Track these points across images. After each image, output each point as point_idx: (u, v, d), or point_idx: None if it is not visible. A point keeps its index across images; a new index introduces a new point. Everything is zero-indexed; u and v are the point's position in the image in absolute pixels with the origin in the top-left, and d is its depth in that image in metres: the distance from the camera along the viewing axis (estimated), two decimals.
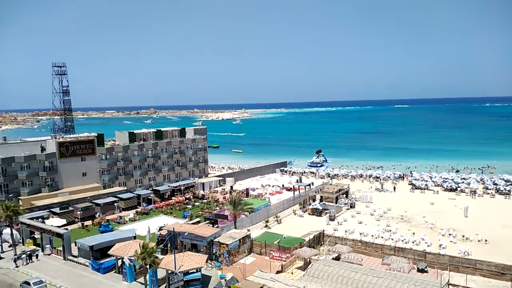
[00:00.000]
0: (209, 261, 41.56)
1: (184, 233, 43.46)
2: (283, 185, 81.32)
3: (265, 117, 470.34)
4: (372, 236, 49.34)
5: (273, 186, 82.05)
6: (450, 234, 49.43)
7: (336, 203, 65.40)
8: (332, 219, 57.57)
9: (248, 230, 49.56)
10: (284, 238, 45.62)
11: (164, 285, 36.57)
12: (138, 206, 67.82)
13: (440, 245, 45.30)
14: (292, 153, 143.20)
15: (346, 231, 51.01)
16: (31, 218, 52.59)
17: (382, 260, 41.27)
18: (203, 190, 79.84)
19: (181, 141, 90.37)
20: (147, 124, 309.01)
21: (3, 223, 49.37)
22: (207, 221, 54.71)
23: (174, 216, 61.32)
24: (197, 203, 69.33)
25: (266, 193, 75.78)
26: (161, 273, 36.95)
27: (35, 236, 50.51)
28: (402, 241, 47.46)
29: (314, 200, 67.40)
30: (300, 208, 63.85)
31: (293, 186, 75.95)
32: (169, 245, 44.30)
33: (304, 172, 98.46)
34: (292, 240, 44.99)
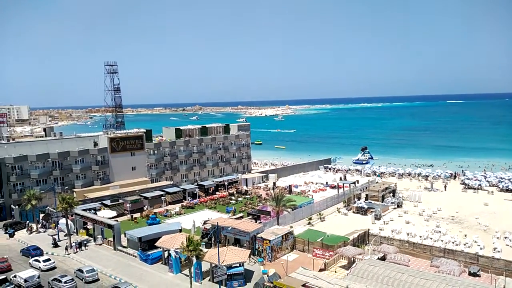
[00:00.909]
0: (251, 256, 41.88)
1: (228, 228, 44.05)
2: (327, 183, 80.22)
3: (308, 113, 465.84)
4: (420, 236, 47.48)
5: (316, 183, 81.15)
6: (506, 237, 46.50)
7: (382, 202, 63.57)
8: (378, 218, 56.04)
9: (291, 227, 49.36)
10: (328, 236, 45.00)
11: (208, 277, 37.34)
12: (183, 200, 69.63)
13: (494, 249, 42.76)
14: (336, 150, 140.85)
15: (392, 231, 49.45)
16: (84, 210, 55.57)
17: (431, 262, 39.60)
18: (246, 185, 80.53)
19: (225, 137, 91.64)
20: (193, 120, 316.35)
21: (59, 214, 52.50)
22: (250, 217, 55.17)
23: (218, 211, 62.35)
24: (240, 199, 70.06)
25: (309, 190, 75.12)
26: (205, 266, 37.76)
27: (88, 227, 53.28)
28: (453, 243, 45.26)
29: (359, 199, 65.92)
30: (344, 206, 62.70)
31: (337, 183, 74.69)
32: (213, 238, 45.13)
33: (349, 169, 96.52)
34: (336, 238, 44.28)
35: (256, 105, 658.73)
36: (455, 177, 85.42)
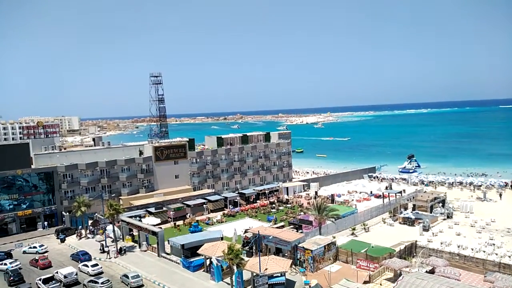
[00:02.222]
0: (293, 266, 41.19)
1: (269, 237, 43.68)
2: (371, 192, 77.87)
3: (351, 120, 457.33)
4: (472, 249, 44.67)
5: (360, 192, 79.00)
6: None
7: (430, 213, 60.65)
8: (426, 229, 53.45)
9: (334, 237, 48.18)
10: (372, 247, 43.44)
11: (250, 286, 37.06)
12: (225, 208, 70.07)
13: None
14: (381, 158, 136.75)
15: (442, 243, 46.93)
16: (130, 217, 57.32)
17: (484, 276, 37.05)
18: (287, 194, 79.81)
19: (265, 145, 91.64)
20: (234, 129, 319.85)
21: (106, 221, 54.47)
22: (291, 226, 54.46)
23: (259, 220, 62.12)
24: (281, 207, 69.48)
25: (352, 200, 73.21)
26: (246, 275, 37.54)
27: (134, 233, 54.83)
28: (509, 257, 42.20)
29: (405, 209, 63.30)
30: (390, 216, 60.42)
31: (383, 193, 72.25)
32: (254, 247, 44.90)
33: (395, 178, 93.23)
34: (381, 250, 42.64)
35: (297, 112, 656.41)
36: (511, 186, 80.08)
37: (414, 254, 43.81)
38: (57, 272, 42.01)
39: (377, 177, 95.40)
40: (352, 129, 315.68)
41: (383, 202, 66.95)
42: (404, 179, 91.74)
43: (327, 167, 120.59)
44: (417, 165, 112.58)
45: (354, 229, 53.83)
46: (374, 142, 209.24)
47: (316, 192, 79.15)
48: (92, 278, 40.36)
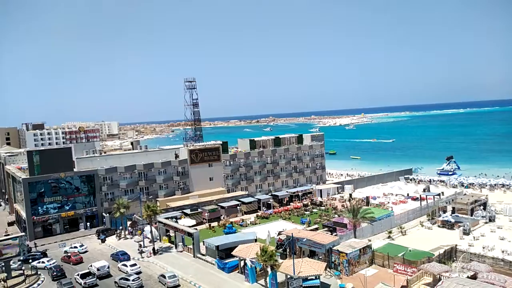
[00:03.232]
0: (328, 269, 40.89)
1: (303, 239, 43.58)
2: (408, 194, 75.90)
3: (386, 121, 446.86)
4: None
5: (396, 195, 77.17)
6: None
7: (471, 216, 58.39)
8: (466, 233, 51.53)
9: (369, 240, 47.35)
10: (410, 251, 42.39)
11: None
12: (258, 210, 70.45)
13: None
14: (418, 159, 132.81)
15: (484, 248, 45.10)
16: (167, 218, 58.78)
17: None
18: (321, 197, 79.17)
19: (298, 147, 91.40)
20: (266, 131, 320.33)
21: (144, 222, 56.15)
22: (325, 229, 54.03)
23: (293, 222, 62.01)
24: (314, 210, 69.03)
25: (388, 202, 71.66)
26: (280, 277, 37.63)
27: (170, 234, 56.18)
28: None
29: (444, 212, 61.27)
30: (428, 219, 58.67)
31: (420, 195, 70.20)
32: (288, 249, 44.92)
33: (433, 180, 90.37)
34: (419, 254, 41.55)
35: (330, 114, 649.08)
36: None
37: (454, 258, 42.35)
38: (91, 265, 45.61)
39: (414, 179, 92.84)
40: (386, 130, 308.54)
41: (421, 204, 65.11)
42: (443, 181, 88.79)
43: (361, 169, 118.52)
44: (456, 166, 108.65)
45: (390, 232, 52.67)
46: (412, 143, 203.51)
47: (350, 195, 78.07)
48: (123, 275, 42.43)
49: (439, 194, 70.34)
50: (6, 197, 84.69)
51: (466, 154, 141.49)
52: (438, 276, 36.54)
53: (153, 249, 51.12)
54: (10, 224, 71.57)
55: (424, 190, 77.12)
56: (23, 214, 63.47)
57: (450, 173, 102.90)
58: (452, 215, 58.74)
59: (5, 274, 43.65)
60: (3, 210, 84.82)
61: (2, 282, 42.46)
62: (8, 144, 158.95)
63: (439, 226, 55.72)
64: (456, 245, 44.16)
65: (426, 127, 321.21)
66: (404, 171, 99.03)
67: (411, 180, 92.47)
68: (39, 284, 43.67)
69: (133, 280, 40.63)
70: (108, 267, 45.37)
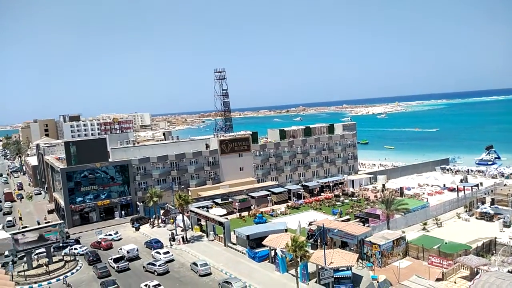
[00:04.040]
0: (360, 261, 40.23)
1: (334, 230, 43.03)
2: (444, 185, 73.39)
3: (421, 109, 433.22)
4: None
5: (432, 185, 74.80)
6: None
7: None
8: (507, 225, 49.30)
9: (403, 232, 46.17)
10: (446, 243, 41.03)
11: (315, 279, 36.89)
12: (288, 201, 70.19)
13: None
14: (455, 149, 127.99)
15: None
16: (198, 207, 59.58)
17: None
18: (353, 187, 77.86)
19: (329, 137, 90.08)
20: (296, 121, 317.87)
21: (176, 211, 57.16)
22: (357, 219, 53.18)
23: (324, 212, 61.41)
24: (346, 201, 68.01)
25: (423, 193, 69.59)
26: (311, 267, 37.40)
27: (202, 223, 56.97)
28: None
29: (483, 203, 58.81)
30: (466, 211, 56.51)
31: (457, 186, 67.73)
32: (319, 240, 44.53)
33: (471, 170, 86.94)
34: (456, 246, 40.13)
35: (362, 103, 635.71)
36: None
37: (494, 252, 40.63)
38: (120, 249, 48.76)
39: (451, 169, 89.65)
40: (421, 119, 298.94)
41: (458, 195, 62.83)
42: (481, 172, 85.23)
43: (395, 159, 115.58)
44: (496, 156, 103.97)
45: (425, 224, 51.15)
46: (448, 132, 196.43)
47: (383, 185, 76.37)
48: (151, 260, 44.07)
49: (477, 185, 67.61)
50: (46, 186, 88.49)
51: (506, 143, 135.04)
52: (475, 269, 35.20)
53: (183, 237, 52.06)
54: (50, 212, 74.78)
55: (461, 181, 74.35)
56: (62, 202, 66.09)
57: (489, 163, 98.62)
58: (491, 206, 56.30)
59: (47, 259, 45.73)
60: (43, 199, 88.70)
61: (44, 267, 44.53)
62: (47, 135, 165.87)
63: (477, 218, 53.60)
64: (495, 238, 42.33)
65: (463, 115, 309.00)
66: (441, 161, 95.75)
67: (448, 170, 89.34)
68: (77, 270, 45.48)
69: (159, 266, 42.37)
70: (137, 250, 48.04)
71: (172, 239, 52.18)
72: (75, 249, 50.58)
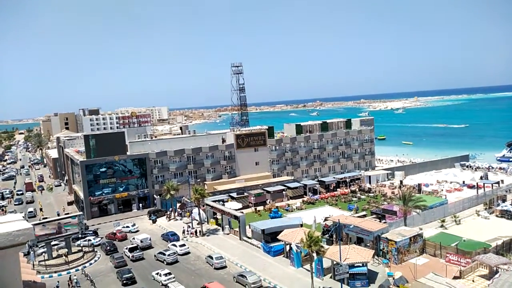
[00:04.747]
0: (375, 257, 39.93)
1: (350, 226, 42.77)
2: (463, 182, 71.99)
3: (441, 105, 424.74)
4: None
5: (451, 182, 73.47)
6: None
7: None
8: None
9: (420, 229, 45.53)
10: (464, 241, 40.36)
11: (330, 274, 36.82)
12: (304, 196, 69.99)
13: None
14: (475, 145, 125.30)
15: None
16: (214, 201, 60.02)
17: None
18: (370, 183, 77.09)
19: (346, 132, 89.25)
20: (313, 116, 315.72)
21: (192, 204, 57.72)
22: (374, 216, 52.70)
23: (339, 208, 61.06)
24: (363, 196, 67.46)
25: (442, 190, 68.44)
26: (326, 263, 37.32)
27: (217, 217, 57.38)
28: None
29: (504, 201, 57.49)
30: (485, 208, 55.37)
31: (477, 183, 66.36)
32: (334, 236, 44.34)
33: (491, 167, 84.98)
34: (474, 244, 39.42)
35: (380, 98, 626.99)
36: None
37: None
38: (133, 238, 50.75)
39: (471, 166, 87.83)
40: (441, 114, 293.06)
41: (477, 193, 61.60)
42: (503, 169, 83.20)
43: (413, 155, 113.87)
44: None
45: (443, 221, 50.35)
46: (468, 127, 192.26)
47: (401, 181, 75.37)
48: (161, 250, 45.48)
49: (498, 182, 66.08)
50: (66, 178, 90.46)
51: None
52: (495, 268, 34.53)
53: (196, 231, 52.59)
54: (70, 203, 76.49)
55: (481, 178, 72.76)
56: (81, 194, 67.50)
57: (511, 159, 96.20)
58: None
59: (66, 250, 46.87)
60: (63, 191, 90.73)
61: (64, 257, 45.66)
62: (67, 128, 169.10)
63: (497, 216, 52.48)
64: None
65: (484, 111, 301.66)
66: (460, 157, 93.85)
67: (467, 167, 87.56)
68: (95, 260, 46.49)
69: (168, 255, 43.59)
70: (150, 239, 49.61)
71: (185, 230, 52.99)
72: (89, 240, 51.56)
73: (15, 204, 77.24)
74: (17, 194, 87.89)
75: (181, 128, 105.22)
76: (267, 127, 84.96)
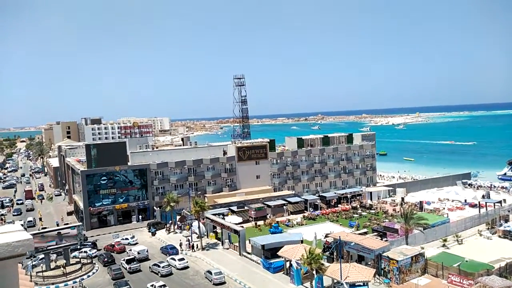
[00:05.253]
0: (377, 276, 39.42)
1: (351, 243, 42.32)
2: (465, 200, 71.54)
3: (443, 121, 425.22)
4: None
5: (452, 200, 73.01)
6: None
7: None
8: None
9: (422, 248, 45.08)
10: (466, 261, 39.86)
11: None
12: (305, 211, 69.54)
13: None
14: (477, 163, 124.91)
15: None
16: (214, 214, 59.59)
17: None
18: (371, 199, 76.66)
19: (348, 147, 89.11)
20: (314, 130, 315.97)
21: (192, 217, 57.31)
22: (375, 233, 52.22)
23: (340, 224, 60.59)
24: (364, 213, 66.98)
25: (444, 208, 67.94)
26: (327, 281, 36.83)
27: (217, 231, 56.90)
28: None
29: (506, 221, 56.98)
30: (488, 228, 54.86)
31: (479, 202, 65.92)
32: (335, 253, 43.86)
33: (493, 186, 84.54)
34: (477, 266, 38.93)
35: (382, 113, 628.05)
36: None
37: None
38: (130, 250, 50.61)
39: (472, 184, 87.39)
40: (440, 131, 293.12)
41: (479, 212, 61.10)
42: (505, 188, 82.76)
43: (415, 172, 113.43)
44: None
45: (445, 240, 49.87)
46: (470, 145, 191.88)
47: (402, 198, 74.94)
48: (156, 262, 45.52)
49: (500, 202, 65.69)
50: (66, 187, 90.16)
51: None
52: None
53: (192, 244, 52.11)
54: (69, 213, 76.11)
55: (483, 197, 72.33)
56: (81, 204, 67.15)
57: None
58: None
59: (64, 261, 46.40)
60: (63, 200, 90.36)
61: (62, 268, 45.17)
62: (69, 137, 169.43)
63: (500, 237, 51.94)
64: None
65: (486, 128, 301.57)
66: (462, 175, 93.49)
67: (469, 185, 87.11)
68: (93, 273, 45.99)
69: (163, 267, 43.74)
70: (147, 251, 49.59)
71: (181, 243, 52.63)
72: (84, 252, 50.96)
73: (13, 215, 76.51)
74: (17, 203, 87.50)
75: (182, 139, 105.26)
76: (268, 140, 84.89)
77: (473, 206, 67.57)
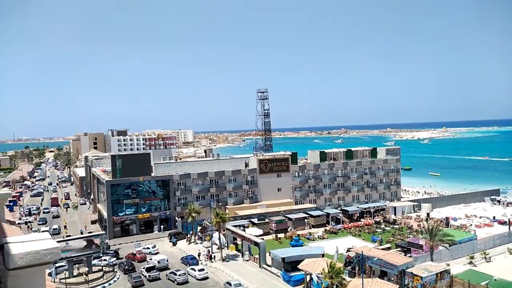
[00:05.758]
0: None
1: (373, 258, 41.43)
2: (494, 217, 69.03)
3: (471, 136, 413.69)
4: None
5: (480, 217, 70.59)
6: None
7: None
8: None
9: (448, 265, 43.68)
10: (495, 280, 38.31)
11: None
12: (326, 225, 68.61)
13: None
14: (507, 179, 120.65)
15: None
16: (235, 226, 59.57)
17: None
18: (395, 214, 74.95)
19: (371, 161, 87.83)
20: (337, 143, 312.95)
21: (213, 228, 57.46)
22: (399, 249, 50.94)
23: (363, 239, 59.40)
24: (387, 228, 65.53)
25: (471, 225, 65.75)
26: None
27: (237, 242, 56.78)
28: None
29: None
30: None
31: (509, 219, 63.46)
32: (357, 268, 42.99)
33: None
34: (506, 284, 37.39)
35: (407, 127, 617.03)
36: None
37: None
38: (151, 259, 51.53)
39: (501, 201, 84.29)
40: (468, 146, 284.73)
41: (509, 229, 58.77)
42: None
43: (441, 187, 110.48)
44: None
45: (472, 257, 48.13)
46: (500, 160, 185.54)
47: (428, 214, 72.98)
48: (172, 270, 46.26)
49: None
50: (91, 197, 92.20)
51: None
52: None
53: (211, 255, 52.16)
54: (93, 222, 77.61)
55: None
56: (105, 213, 68.46)
57: None
58: None
59: (87, 269, 47.22)
60: (88, 209, 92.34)
61: (84, 276, 45.96)
62: (95, 148, 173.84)
63: None
64: None
65: None
66: (491, 191, 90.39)
67: (498, 202, 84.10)
68: (115, 281, 46.57)
69: (179, 275, 44.33)
70: (167, 260, 50.11)
71: (199, 253, 52.94)
72: (104, 260, 51.42)
73: (38, 224, 78.34)
74: (43, 212, 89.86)
75: (205, 151, 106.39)
76: (290, 153, 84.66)
77: (502, 223, 65.14)
